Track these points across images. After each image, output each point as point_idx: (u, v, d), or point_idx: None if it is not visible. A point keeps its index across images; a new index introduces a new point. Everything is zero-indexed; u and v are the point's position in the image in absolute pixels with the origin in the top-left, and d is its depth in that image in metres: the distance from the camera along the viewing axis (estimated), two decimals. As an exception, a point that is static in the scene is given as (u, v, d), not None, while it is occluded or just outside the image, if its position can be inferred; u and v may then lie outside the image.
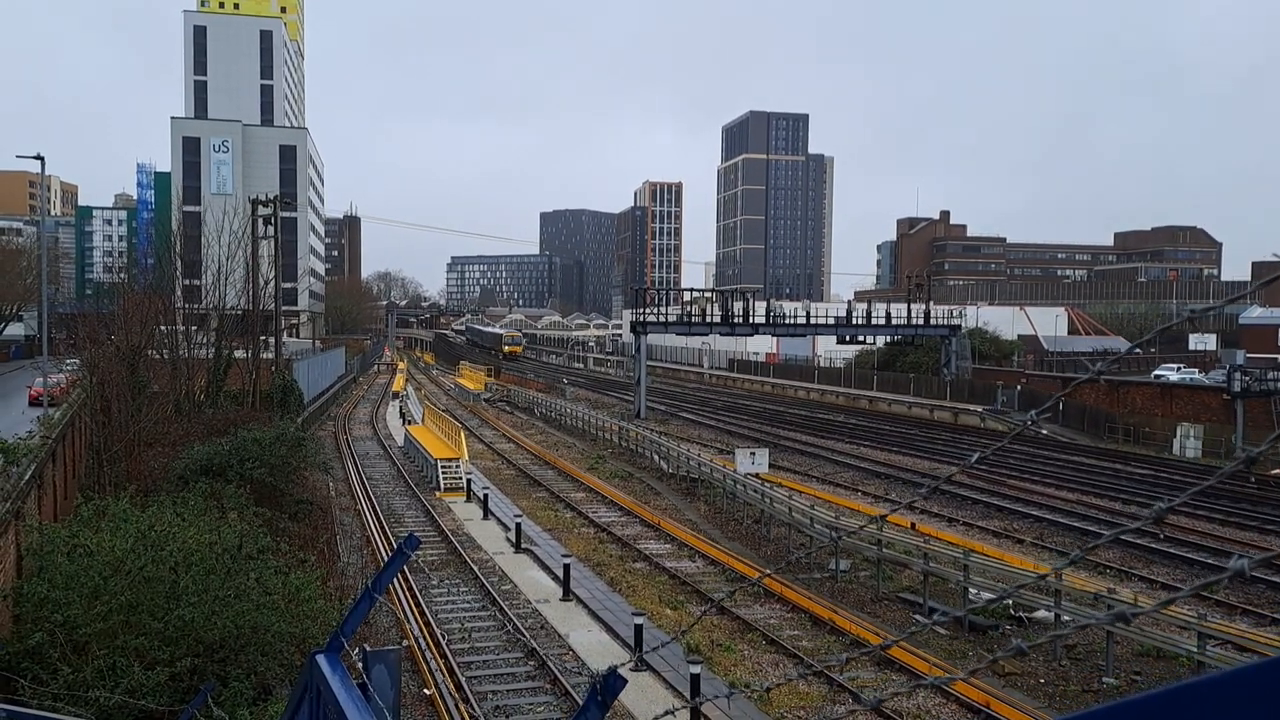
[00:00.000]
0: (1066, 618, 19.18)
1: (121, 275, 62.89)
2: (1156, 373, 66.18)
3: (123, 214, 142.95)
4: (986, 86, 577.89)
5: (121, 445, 26.70)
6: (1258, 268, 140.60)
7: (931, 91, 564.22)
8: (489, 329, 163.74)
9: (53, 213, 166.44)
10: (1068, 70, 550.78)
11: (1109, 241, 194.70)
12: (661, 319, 68.04)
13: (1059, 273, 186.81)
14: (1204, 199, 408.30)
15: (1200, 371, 68.08)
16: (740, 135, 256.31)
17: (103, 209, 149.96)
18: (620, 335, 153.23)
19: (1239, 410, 45.23)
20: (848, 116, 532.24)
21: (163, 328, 37.73)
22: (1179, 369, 69.07)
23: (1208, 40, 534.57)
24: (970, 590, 21.14)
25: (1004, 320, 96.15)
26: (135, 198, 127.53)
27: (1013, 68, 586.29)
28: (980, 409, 59.48)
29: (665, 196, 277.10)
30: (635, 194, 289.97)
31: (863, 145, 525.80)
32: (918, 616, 21.62)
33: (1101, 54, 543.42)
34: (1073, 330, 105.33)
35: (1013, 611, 21.09)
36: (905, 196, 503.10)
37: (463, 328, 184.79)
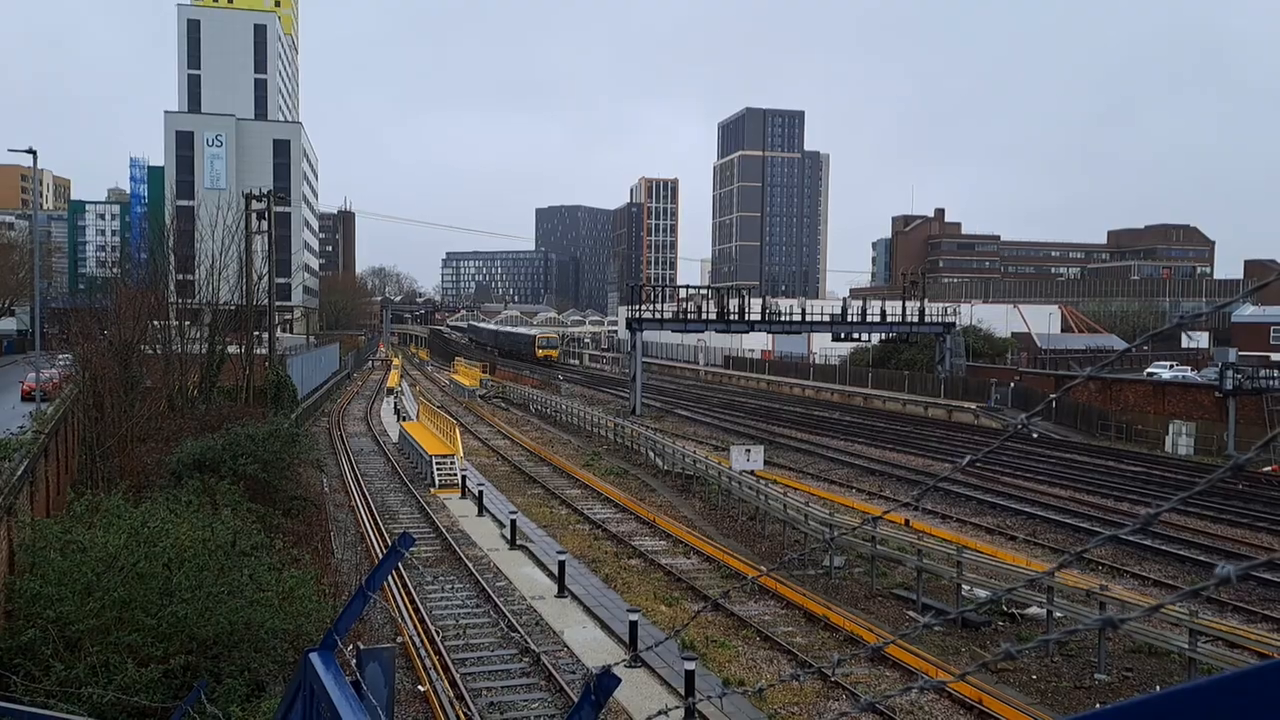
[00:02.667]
0: (1059, 614, 19.25)
1: (115, 270, 62.71)
2: (1149, 370, 66.34)
3: (116, 208, 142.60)
4: (984, 87, 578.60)
5: (115, 441, 26.65)
6: (1250, 266, 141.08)
7: (932, 90, 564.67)
8: (512, 329, 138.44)
9: (45, 207, 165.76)
10: (1068, 72, 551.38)
11: (1103, 240, 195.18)
12: (657, 316, 68.07)
13: (1053, 270, 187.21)
14: (1206, 197, 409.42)
15: (1193, 369, 68.27)
16: (736, 132, 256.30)
17: (95, 203, 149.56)
18: (616, 332, 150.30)
19: (1231, 408, 45.38)
20: (844, 114, 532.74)
21: (156, 323, 37.63)
22: (1171, 367, 69.26)
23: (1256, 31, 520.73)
24: (964, 587, 21.22)
25: (998, 318, 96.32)
26: (128, 192, 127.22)
27: (1010, 70, 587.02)
28: (974, 406, 59.63)
29: (661, 193, 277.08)
30: (631, 190, 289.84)
31: (859, 143, 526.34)
32: (911, 613, 21.68)
33: (1116, 55, 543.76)
34: (1066, 328, 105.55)
35: (1005, 608, 21.17)
36: (901, 195, 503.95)
37: (463, 325, 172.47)
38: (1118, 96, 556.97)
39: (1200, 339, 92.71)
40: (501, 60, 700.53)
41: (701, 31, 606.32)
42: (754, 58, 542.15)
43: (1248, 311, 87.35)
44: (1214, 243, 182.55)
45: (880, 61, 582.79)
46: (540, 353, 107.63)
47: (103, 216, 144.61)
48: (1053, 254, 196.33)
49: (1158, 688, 17.77)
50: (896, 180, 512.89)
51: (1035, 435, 49.12)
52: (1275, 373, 50.22)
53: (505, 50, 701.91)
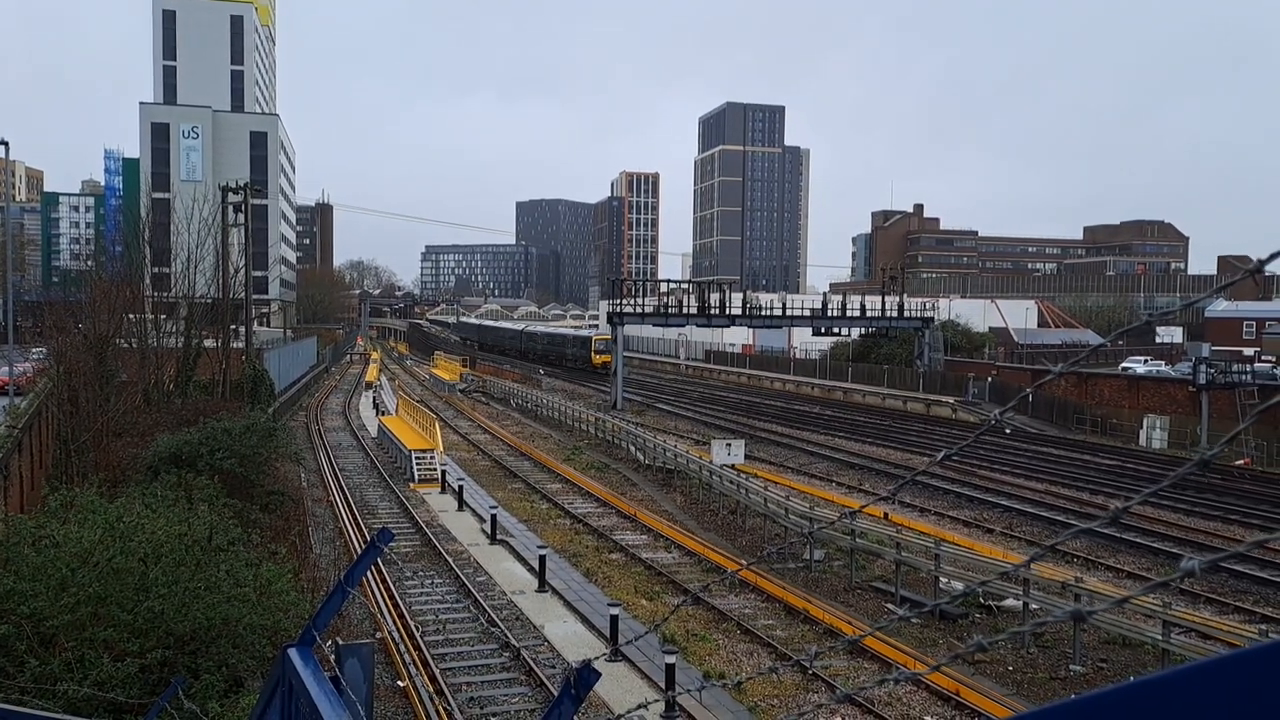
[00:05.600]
0: (1034, 606, 19.47)
1: (89, 263, 62.02)
2: (1124, 365, 67.08)
3: (90, 200, 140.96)
4: (968, 85, 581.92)
5: (89, 435, 26.36)
6: (1224, 262, 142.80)
7: (916, 86, 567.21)
8: (549, 328, 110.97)
9: (18, 199, 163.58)
10: (1056, 69, 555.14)
11: (1079, 235, 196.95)
12: (638, 310, 67.98)
13: (1030, 266, 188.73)
14: (1182, 193, 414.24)
15: (1167, 364, 69.05)
16: (717, 127, 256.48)
17: (69, 195, 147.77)
18: (597, 326, 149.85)
19: (1204, 402, 45.94)
20: (825, 109, 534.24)
21: (131, 316, 37.24)
22: (1146, 361, 70.04)
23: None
24: (941, 579, 21.40)
25: (975, 313, 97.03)
26: (103, 184, 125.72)
27: (995, 67, 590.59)
28: (952, 400, 60.06)
29: (642, 187, 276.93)
30: (612, 184, 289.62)
31: (839, 138, 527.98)
32: (890, 606, 21.85)
33: (1107, 54, 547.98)
34: (1043, 323, 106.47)
35: (982, 601, 21.36)
36: (881, 190, 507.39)
37: (447, 319, 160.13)
38: (1103, 95, 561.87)
39: (1174, 334, 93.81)
40: (483, 53, 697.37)
41: (683, 28, 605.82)
42: (737, 54, 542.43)
43: (1220, 307, 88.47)
44: (1188, 239, 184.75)
45: (864, 57, 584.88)
46: (599, 358, 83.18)
47: (76, 209, 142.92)
48: (1030, 249, 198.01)
49: (1131, 679, 18.03)
50: (877, 176, 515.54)
51: (1008, 431, 49.52)
52: (1247, 367, 50.89)
53: (488, 43, 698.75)
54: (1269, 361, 64.06)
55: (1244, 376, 47.89)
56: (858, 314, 72.18)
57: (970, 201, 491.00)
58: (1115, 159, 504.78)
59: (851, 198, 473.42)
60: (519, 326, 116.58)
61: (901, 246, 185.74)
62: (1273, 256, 1.25)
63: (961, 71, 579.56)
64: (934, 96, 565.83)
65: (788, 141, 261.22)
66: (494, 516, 28.84)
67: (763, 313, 73.03)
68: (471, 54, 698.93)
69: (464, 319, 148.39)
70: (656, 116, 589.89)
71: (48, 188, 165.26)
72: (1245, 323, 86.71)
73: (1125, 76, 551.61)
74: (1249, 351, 72.24)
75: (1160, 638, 16.75)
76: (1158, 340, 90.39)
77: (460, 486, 33.94)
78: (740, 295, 73.20)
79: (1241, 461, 39.61)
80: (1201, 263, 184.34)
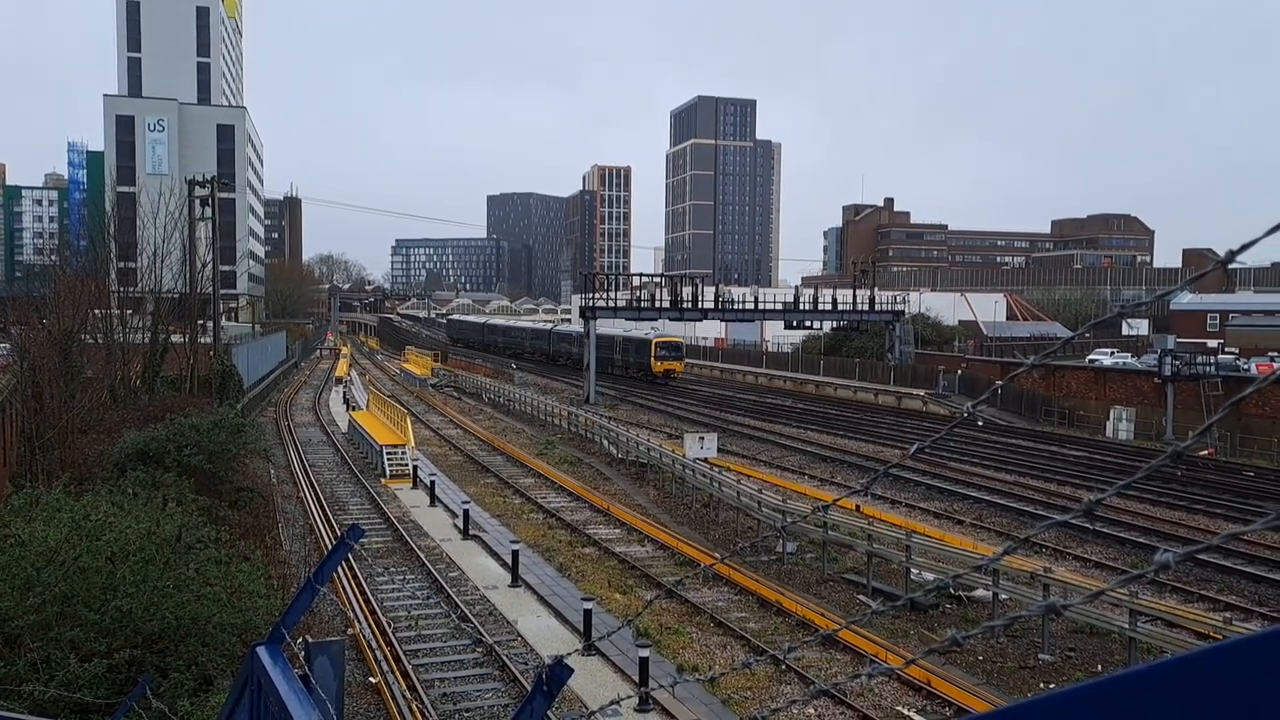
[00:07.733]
0: (1004, 596, 19.69)
1: (53, 257, 61.04)
2: (1091, 357, 67.96)
3: (54, 194, 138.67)
4: (944, 80, 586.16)
5: (55, 432, 25.93)
6: (1188, 255, 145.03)
7: (890, 79, 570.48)
8: (575, 329, 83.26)
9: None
10: (1030, 64, 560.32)
11: (1047, 229, 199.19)
12: (611, 304, 67.87)
13: (998, 259, 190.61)
14: (1148, 187, 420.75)
15: (1133, 356, 70.05)
16: (688, 120, 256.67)
17: (32, 189, 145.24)
18: (569, 320, 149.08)
19: (1169, 394, 46.64)
20: (797, 103, 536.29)
21: (97, 311, 36.66)
22: (1113, 353, 71.00)
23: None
24: (913, 570, 21.59)
25: (945, 306, 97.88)
26: (66, 178, 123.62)
27: (972, 62, 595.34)
28: (923, 393, 60.58)
29: (614, 181, 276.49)
30: (584, 178, 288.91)
31: (811, 132, 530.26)
32: (862, 597, 22.01)
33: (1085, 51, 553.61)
34: (1011, 316, 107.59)
35: (953, 591, 21.57)
36: (852, 184, 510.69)
37: (420, 314, 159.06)
38: (1102, 94, 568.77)
39: (1140, 326, 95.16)
40: (455, 43, 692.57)
41: (653, 17, 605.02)
42: (725, 51, 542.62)
43: (1185, 299, 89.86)
44: (1153, 232, 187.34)
45: (860, 56, 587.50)
46: (660, 366, 71.52)
47: (40, 202, 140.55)
48: (999, 243, 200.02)
49: (1100, 668, 18.26)
50: (856, 171, 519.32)
51: (980, 423, 50.05)
52: (1211, 359, 51.72)
53: (474, 38, 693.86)
54: (1232, 353, 65.21)
55: (1208, 368, 48.68)
56: (829, 308, 72.59)
57: (970, 201, 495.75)
58: (1112, 158, 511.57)
59: (827, 193, 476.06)
60: (544, 326, 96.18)
61: (872, 241, 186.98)
62: (1244, 248, 1.25)
63: (956, 71, 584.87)
64: (927, 97, 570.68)
65: (762, 135, 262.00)
66: (466, 512, 28.71)
67: (735, 306, 73.21)
68: (454, 49, 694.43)
69: (458, 316, 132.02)
70: (636, 111, 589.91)
71: (10, 181, 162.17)
72: (1209, 315, 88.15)
73: (1125, 76, 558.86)
74: (1213, 343, 73.48)
75: (1127, 626, 16.99)
76: (1124, 332, 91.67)
77: (432, 482, 33.76)
78: (713, 289, 73.29)
79: (1205, 452, 40.27)
80: (1166, 256, 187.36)
